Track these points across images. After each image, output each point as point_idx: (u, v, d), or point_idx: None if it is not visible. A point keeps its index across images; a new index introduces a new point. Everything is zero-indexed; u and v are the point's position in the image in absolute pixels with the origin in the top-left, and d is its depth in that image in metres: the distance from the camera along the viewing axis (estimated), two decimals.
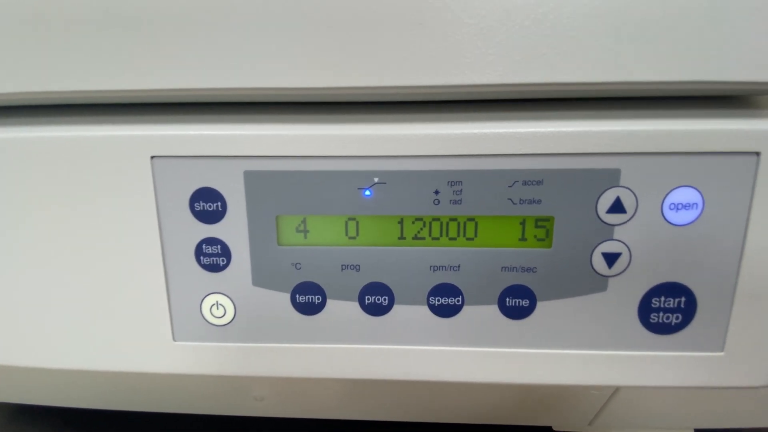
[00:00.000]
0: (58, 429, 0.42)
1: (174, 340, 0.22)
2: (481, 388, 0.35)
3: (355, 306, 0.21)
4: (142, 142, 0.20)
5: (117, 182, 0.20)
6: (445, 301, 0.21)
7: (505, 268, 0.20)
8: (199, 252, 0.21)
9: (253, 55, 0.18)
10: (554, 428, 0.42)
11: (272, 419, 0.41)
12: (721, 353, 0.21)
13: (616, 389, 0.36)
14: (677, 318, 0.20)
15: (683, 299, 0.20)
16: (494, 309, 0.21)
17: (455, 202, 0.20)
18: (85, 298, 0.22)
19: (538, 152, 0.19)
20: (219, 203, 0.20)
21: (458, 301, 0.21)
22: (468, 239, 0.20)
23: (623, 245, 0.20)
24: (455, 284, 0.21)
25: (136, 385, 0.36)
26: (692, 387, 0.21)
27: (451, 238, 0.20)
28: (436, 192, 0.20)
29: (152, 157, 0.20)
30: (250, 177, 0.20)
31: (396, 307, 0.21)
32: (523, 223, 0.20)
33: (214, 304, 0.21)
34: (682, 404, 0.37)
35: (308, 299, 0.21)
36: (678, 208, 0.19)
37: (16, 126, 0.21)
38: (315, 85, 0.18)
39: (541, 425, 0.41)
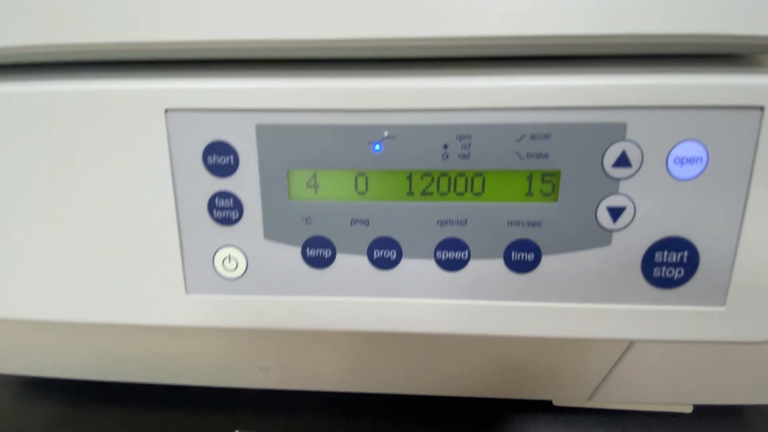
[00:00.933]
0: (65, 403, 0.43)
1: (186, 292, 0.22)
2: (482, 360, 0.35)
3: (363, 260, 0.22)
4: (156, 95, 0.20)
5: (131, 136, 0.21)
6: (452, 255, 0.21)
7: (511, 222, 0.21)
8: (211, 205, 0.21)
9: (263, 6, 0.18)
10: (554, 402, 0.43)
11: (278, 392, 0.42)
12: (723, 308, 0.21)
13: (616, 362, 0.36)
14: (680, 272, 0.21)
15: (686, 254, 0.21)
16: (500, 263, 0.21)
17: (464, 156, 0.20)
18: (98, 251, 0.22)
19: (546, 105, 0.19)
20: (231, 157, 0.21)
21: (464, 255, 0.21)
22: (475, 194, 0.21)
23: (628, 199, 0.20)
24: (462, 238, 0.21)
25: (143, 354, 0.37)
26: (693, 341, 0.21)
27: (458, 193, 0.21)
28: (445, 146, 0.20)
29: (166, 111, 0.20)
30: (262, 131, 0.20)
31: (404, 261, 0.22)
32: (530, 178, 0.20)
33: (226, 258, 0.22)
34: (681, 380, 0.38)
35: (318, 253, 0.22)
36: (683, 162, 0.20)
37: (33, 81, 0.21)
38: (324, 37, 0.19)
39: (541, 399, 0.42)
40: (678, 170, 0.20)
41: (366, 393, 0.40)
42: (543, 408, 0.42)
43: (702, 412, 0.41)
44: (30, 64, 0.22)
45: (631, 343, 0.34)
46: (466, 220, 0.21)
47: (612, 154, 0.20)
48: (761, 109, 0.19)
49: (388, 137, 0.20)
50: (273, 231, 0.22)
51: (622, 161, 0.20)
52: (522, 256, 0.21)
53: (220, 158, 0.21)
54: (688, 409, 0.41)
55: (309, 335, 0.33)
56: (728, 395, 0.39)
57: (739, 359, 0.35)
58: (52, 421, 0.41)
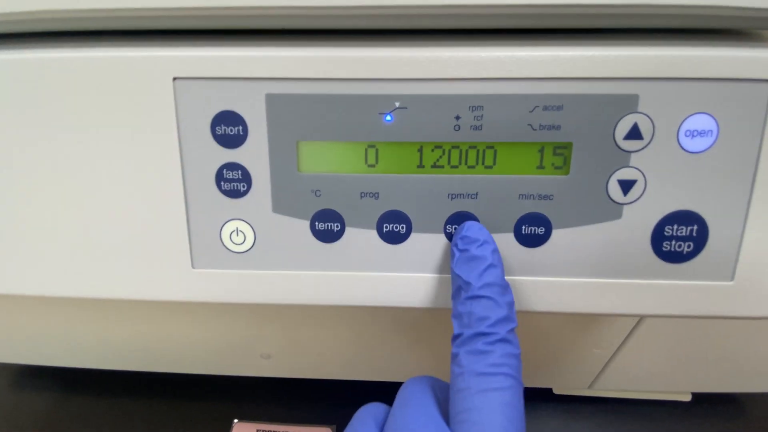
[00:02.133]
0: (61, 391, 0.42)
1: (193, 267, 0.22)
2: None
3: (373, 234, 0.21)
4: (165, 62, 0.20)
5: (138, 105, 0.20)
6: None
7: (522, 195, 0.21)
8: (219, 177, 0.21)
9: None
10: (554, 390, 0.43)
11: (278, 380, 0.41)
12: (731, 282, 0.21)
13: (617, 349, 0.36)
14: (689, 246, 0.21)
15: (695, 227, 0.21)
16: (510, 237, 0.21)
17: (475, 128, 0.20)
18: (103, 224, 0.22)
19: (559, 76, 0.19)
20: (240, 127, 0.20)
21: None
22: (486, 167, 0.21)
23: (639, 172, 0.20)
24: (472, 212, 0.21)
25: (141, 341, 0.37)
26: (702, 316, 0.22)
27: (469, 166, 0.21)
28: (457, 117, 0.20)
29: (174, 79, 0.20)
30: (272, 100, 0.20)
31: (413, 236, 0.21)
32: (541, 150, 0.20)
33: (234, 231, 0.22)
34: (680, 368, 0.38)
35: (327, 227, 0.21)
36: (693, 135, 0.20)
37: (40, 48, 0.21)
38: (336, 4, 0.18)
39: (542, 387, 0.42)
40: (689, 143, 0.20)
41: (367, 381, 0.40)
42: (543, 396, 0.42)
43: (701, 399, 0.41)
44: (38, 33, 0.21)
45: (633, 328, 0.34)
46: (477, 194, 0.21)
47: (624, 126, 0.20)
48: None
49: (400, 108, 0.20)
50: (282, 204, 0.21)
51: (634, 133, 0.20)
52: (532, 230, 0.21)
53: (228, 128, 0.20)
54: (687, 397, 0.42)
55: (312, 320, 0.33)
56: (726, 383, 0.39)
57: (737, 347, 0.36)
58: (48, 409, 0.41)
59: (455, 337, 0.19)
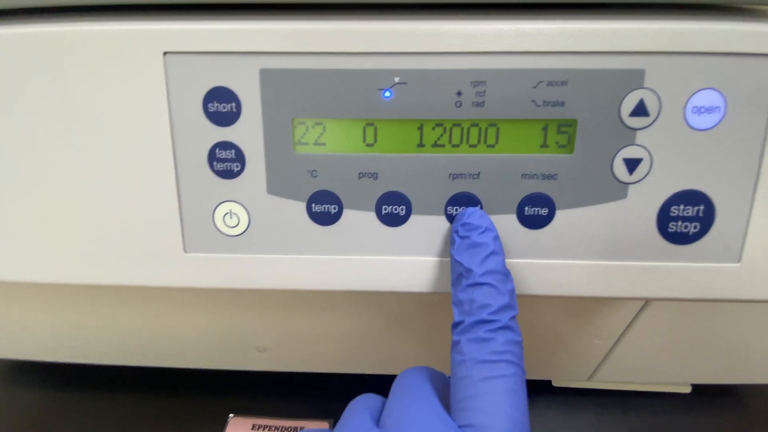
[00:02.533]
0: (53, 386, 0.41)
1: (185, 251, 0.21)
2: None
3: (371, 216, 0.21)
4: (155, 36, 0.19)
5: (128, 80, 0.19)
6: None
7: (526, 175, 0.20)
8: (212, 157, 0.20)
9: None
10: (553, 383, 0.42)
11: (274, 375, 0.41)
12: (738, 264, 0.21)
13: (618, 339, 0.36)
14: (695, 227, 0.20)
15: (702, 208, 0.20)
16: (512, 218, 0.21)
17: (478, 105, 0.19)
18: (92, 207, 0.21)
19: (564, 50, 0.19)
20: (233, 104, 0.20)
21: None
22: (489, 146, 0.20)
23: (645, 150, 0.20)
24: (474, 193, 0.20)
25: (133, 335, 0.36)
26: (708, 299, 0.21)
27: (471, 145, 0.20)
28: (459, 93, 0.19)
29: (165, 53, 0.19)
30: (266, 75, 0.19)
31: (413, 218, 0.21)
32: (545, 129, 0.20)
33: (227, 213, 0.21)
34: (680, 360, 0.38)
35: (324, 209, 0.21)
36: (701, 112, 0.19)
37: (26, 23, 0.20)
38: None
39: (541, 379, 0.42)
40: (696, 120, 0.19)
41: (364, 374, 0.39)
42: (542, 388, 0.42)
43: (700, 391, 0.41)
44: (24, 9, 0.21)
45: (634, 318, 0.34)
46: (479, 174, 0.20)
47: (629, 103, 0.19)
48: None
49: (399, 83, 0.19)
50: (276, 185, 0.21)
51: (640, 110, 0.19)
52: (536, 211, 0.20)
53: (221, 105, 0.20)
54: (687, 389, 0.41)
55: (309, 312, 0.33)
56: (726, 375, 0.39)
57: (737, 339, 0.36)
58: (39, 404, 0.40)
59: (456, 325, 0.19)
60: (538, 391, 0.42)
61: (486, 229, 0.19)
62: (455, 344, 0.18)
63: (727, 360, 0.37)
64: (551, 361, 0.39)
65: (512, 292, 0.19)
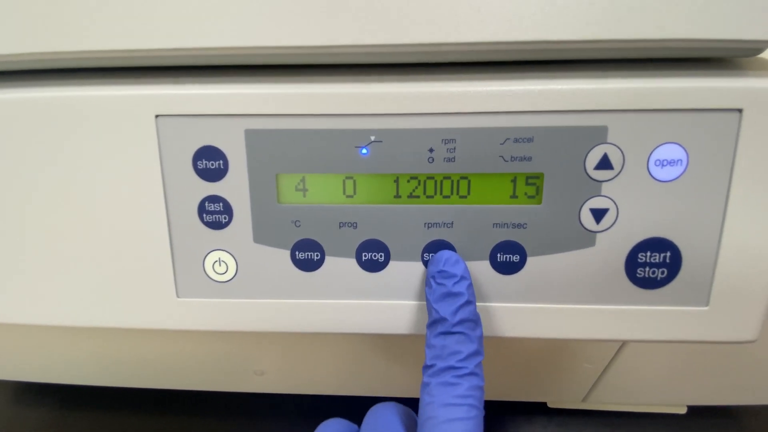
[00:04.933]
0: (59, 407, 0.43)
1: (177, 296, 0.23)
2: None
3: (352, 262, 0.22)
4: (147, 101, 0.20)
5: (122, 141, 0.21)
6: None
7: (497, 224, 0.21)
8: (201, 210, 0.22)
9: (250, 14, 0.19)
10: (549, 404, 0.43)
11: (272, 395, 0.42)
12: (706, 308, 0.21)
13: (609, 363, 0.36)
14: (663, 273, 0.21)
15: (668, 254, 0.21)
16: (485, 264, 0.22)
17: (449, 160, 0.20)
18: (89, 255, 0.23)
19: (529, 109, 0.20)
20: (221, 161, 0.21)
21: None
22: (461, 197, 0.21)
23: (610, 201, 0.21)
24: (448, 240, 0.22)
25: (136, 358, 0.37)
26: (678, 341, 0.22)
27: (444, 196, 0.21)
28: (431, 150, 0.20)
29: (156, 116, 0.21)
30: (251, 135, 0.21)
31: (392, 264, 0.22)
32: (514, 180, 0.21)
33: (216, 261, 0.22)
34: (675, 381, 0.38)
35: (307, 256, 0.22)
36: (663, 164, 0.20)
37: (25, 87, 0.21)
38: (313, 43, 0.19)
39: (536, 401, 0.42)
40: (659, 172, 0.20)
41: (361, 396, 0.40)
42: (538, 409, 0.42)
43: (696, 412, 0.41)
44: (22, 71, 0.22)
45: (623, 344, 0.34)
46: (452, 223, 0.21)
47: (594, 157, 0.20)
48: (740, 111, 0.19)
49: (375, 141, 0.21)
50: (262, 234, 0.22)
51: (604, 163, 0.20)
52: (507, 258, 0.21)
53: (209, 163, 0.21)
54: (682, 410, 0.41)
55: (304, 338, 0.34)
56: (722, 396, 0.39)
57: (733, 360, 0.36)
58: (47, 424, 0.41)
59: (427, 367, 0.20)
60: (534, 412, 0.42)
61: (461, 278, 0.20)
62: (425, 385, 0.20)
63: (722, 381, 0.37)
64: (545, 384, 0.40)
65: (480, 338, 0.20)
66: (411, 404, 0.22)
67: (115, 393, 0.42)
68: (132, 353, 0.37)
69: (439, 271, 0.21)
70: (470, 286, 0.20)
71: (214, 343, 0.35)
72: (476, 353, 0.19)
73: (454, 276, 0.20)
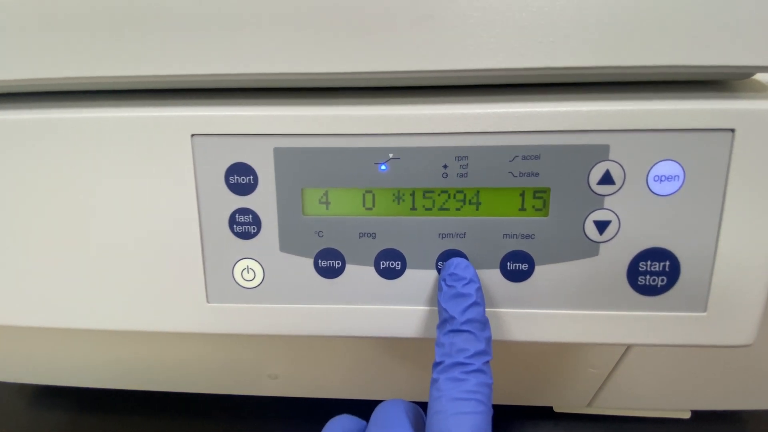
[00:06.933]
0: (75, 410, 0.44)
1: (208, 302, 0.24)
2: None
3: (371, 270, 0.24)
4: (184, 121, 0.22)
5: (161, 158, 0.23)
6: None
7: (506, 235, 0.23)
8: (232, 221, 0.23)
9: (281, 42, 0.21)
10: (555, 409, 0.44)
11: (286, 399, 0.43)
12: (704, 313, 0.23)
13: (614, 368, 0.38)
14: (662, 280, 0.22)
15: (668, 263, 0.22)
16: (496, 272, 0.23)
17: (462, 176, 0.22)
18: (126, 263, 0.24)
19: (536, 129, 0.21)
20: (251, 177, 0.23)
21: None
22: (473, 209, 0.23)
23: (613, 214, 0.22)
24: (461, 250, 0.23)
25: (151, 362, 0.38)
26: (678, 345, 0.23)
27: (457, 209, 0.23)
28: (445, 166, 0.22)
29: (192, 135, 0.22)
30: (279, 153, 0.22)
31: (408, 271, 0.23)
32: (522, 195, 0.22)
33: (245, 269, 0.24)
34: (679, 386, 0.39)
35: (329, 264, 0.24)
36: (662, 180, 0.21)
37: (70, 108, 0.23)
38: (340, 70, 0.21)
39: (542, 406, 0.43)
40: (657, 187, 0.22)
41: (371, 400, 0.41)
42: (544, 414, 0.43)
43: (700, 417, 0.42)
44: (75, 92, 0.24)
45: (626, 349, 0.35)
46: (465, 234, 0.23)
47: (597, 173, 0.22)
48: (732, 131, 0.21)
49: (393, 158, 0.22)
50: (288, 244, 0.24)
51: (606, 179, 0.22)
52: (517, 266, 0.23)
53: (240, 178, 0.23)
54: (686, 415, 0.42)
55: (317, 343, 0.35)
56: (726, 400, 0.40)
57: (736, 365, 0.37)
58: (64, 427, 0.42)
59: (436, 364, 0.21)
60: (541, 416, 0.43)
61: (470, 281, 0.22)
62: (434, 381, 0.20)
63: (726, 385, 0.38)
64: (552, 388, 0.41)
65: (489, 339, 0.21)
66: (420, 407, 0.23)
67: (130, 396, 0.43)
68: (147, 357, 0.38)
69: (450, 274, 0.22)
70: (479, 289, 0.22)
71: (230, 349, 0.36)
72: (484, 352, 0.20)
73: (463, 279, 0.21)
